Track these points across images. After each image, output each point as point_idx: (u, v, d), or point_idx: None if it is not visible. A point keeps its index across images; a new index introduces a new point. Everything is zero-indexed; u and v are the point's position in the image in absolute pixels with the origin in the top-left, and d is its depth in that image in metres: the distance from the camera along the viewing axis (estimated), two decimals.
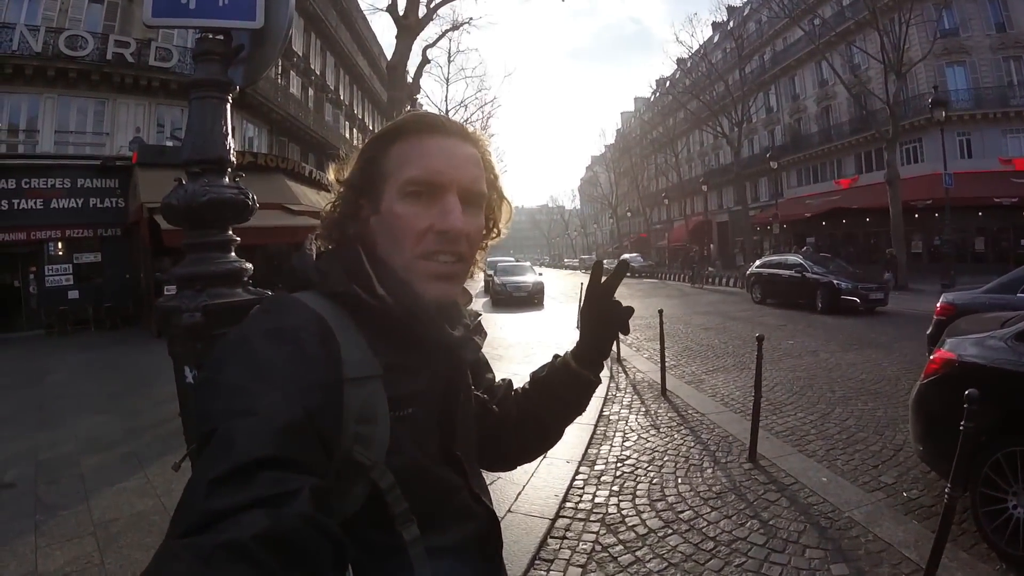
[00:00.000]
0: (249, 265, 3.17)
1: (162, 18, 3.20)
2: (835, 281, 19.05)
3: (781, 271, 21.69)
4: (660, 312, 10.08)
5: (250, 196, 3.14)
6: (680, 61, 57.33)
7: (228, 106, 3.15)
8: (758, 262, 24.86)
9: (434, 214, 1.05)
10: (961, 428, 3.43)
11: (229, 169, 3.14)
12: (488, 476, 4.38)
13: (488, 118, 52.91)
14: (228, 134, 3.13)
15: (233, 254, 3.16)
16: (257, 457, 0.77)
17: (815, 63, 44.62)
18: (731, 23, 55.52)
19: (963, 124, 34.76)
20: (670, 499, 5.08)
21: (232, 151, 3.15)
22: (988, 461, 4.18)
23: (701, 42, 55.49)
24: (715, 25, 60.23)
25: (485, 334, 1.26)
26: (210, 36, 3.10)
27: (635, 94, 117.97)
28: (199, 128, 3.08)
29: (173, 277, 3.09)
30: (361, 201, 1.11)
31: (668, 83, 65.85)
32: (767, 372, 9.28)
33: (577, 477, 5.61)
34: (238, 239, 3.19)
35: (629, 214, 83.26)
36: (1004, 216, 32.37)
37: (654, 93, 71.99)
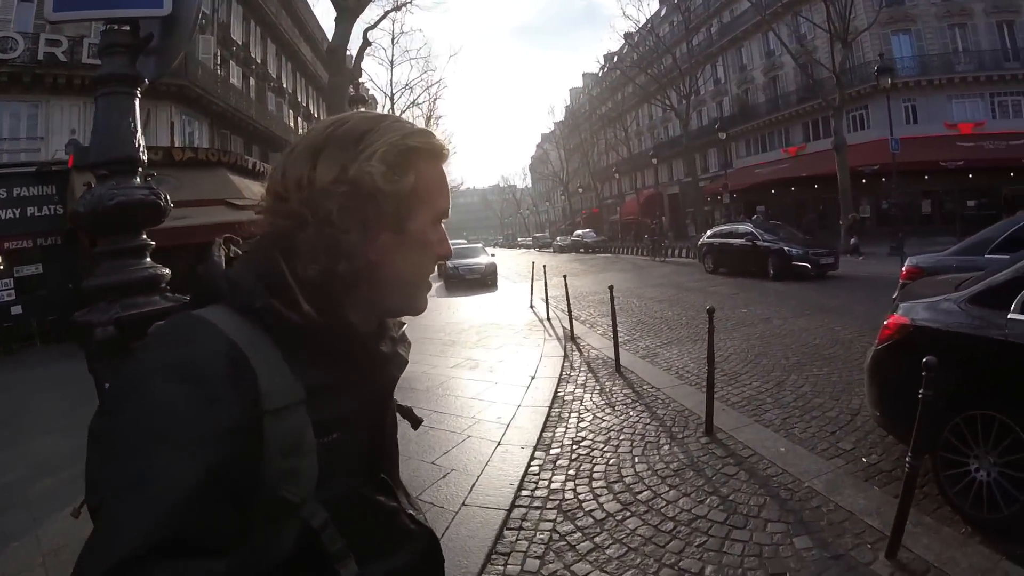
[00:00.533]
0: (167, 270, 2.99)
1: (65, 12, 3.06)
2: (786, 248, 19.40)
3: (732, 240, 22.05)
4: (610, 288, 9.95)
5: (162, 196, 2.95)
6: (628, 36, 57.57)
7: (137, 101, 2.97)
8: (709, 232, 25.19)
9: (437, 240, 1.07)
10: (920, 396, 3.41)
11: (140, 169, 2.95)
12: (442, 469, 4.28)
13: (435, 99, 52.61)
14: (137, 131, 2.94)
15: (149, 259, 2.97)
16: (147, 544, 0.67)
17: (762, 34, 45.37)
18: None
19: (909, 91, 35.77)
20: (627, 480, 5.00)
21: (142, 149, 2.96)
22: (948, 425, 4.19)
23: (648, 16, 55.88)
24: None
25: (409, 344, 1.20)
26: (116, 28, 2.91)
27: (583, 70, 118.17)
28: (106, 126, 2.91)
29: (86, 289, 2.90)
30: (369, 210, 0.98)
31: (616, 58, 66.39)
32: (721, 342, 9.38)
33: (532, 463, 5.50)
34: (152, 243, 3.01)
35: (580, 190, 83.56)
36: (950, 179, 33.40)
37: (602, 68, 72.39)
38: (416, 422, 1.30)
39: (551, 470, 5.36)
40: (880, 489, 4.58)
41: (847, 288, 16.79)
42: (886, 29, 36.14)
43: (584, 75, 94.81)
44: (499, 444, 5.91)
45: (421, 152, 1.02)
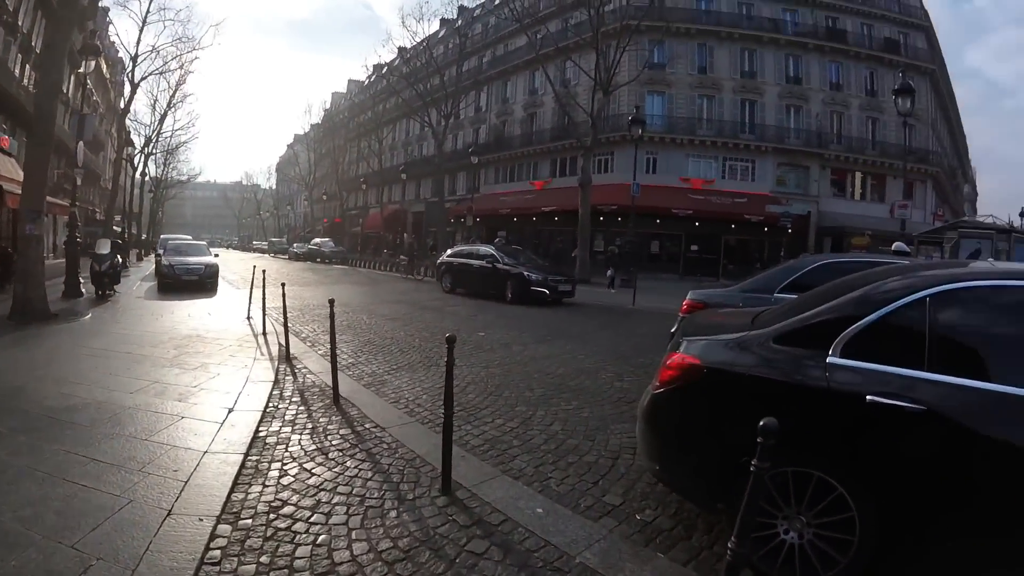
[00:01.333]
0: None
1: None
2: (526, 273, 19.92)
3: (473, 261, 22.31)
4: (331, 301, 8.11)
5: None
6: (402, 49, 57.27)
7: None
8: (450, 251, 25.57)
9: None
10: (752, 467, 2.66)
11: None
12: (83, 558, 2.84)
13: (187, 74, 47.85)
14: None
15: None
16: None
17: (530, 72, 49.12)
18: (460, 21, 58.03)
19: (653, 144, 40.72)
20: (342, 568, 3.60)
21: None
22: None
23: (427, 34, 55.80)
24: (444, 21, 62.22)
25: None
26: None
27: (351, 76, 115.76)
28: None
29: None
30: None
31: (386, 69, 65.20)
32: (458, 369, 8.07)
33: (213, 543, 3.82)
34: None
35: (325, 197, 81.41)
36: (678, 225, 39.09)
37: (369, 77, 71.62)
38: None
39: (237, 555, 3.74)
40: (666, 556, 3.88)
41: (585, 315, 17.20)
42: (644, 88, 41.24)
43: (350, 81, 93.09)
44: (170, 513, 4.11)
45: None
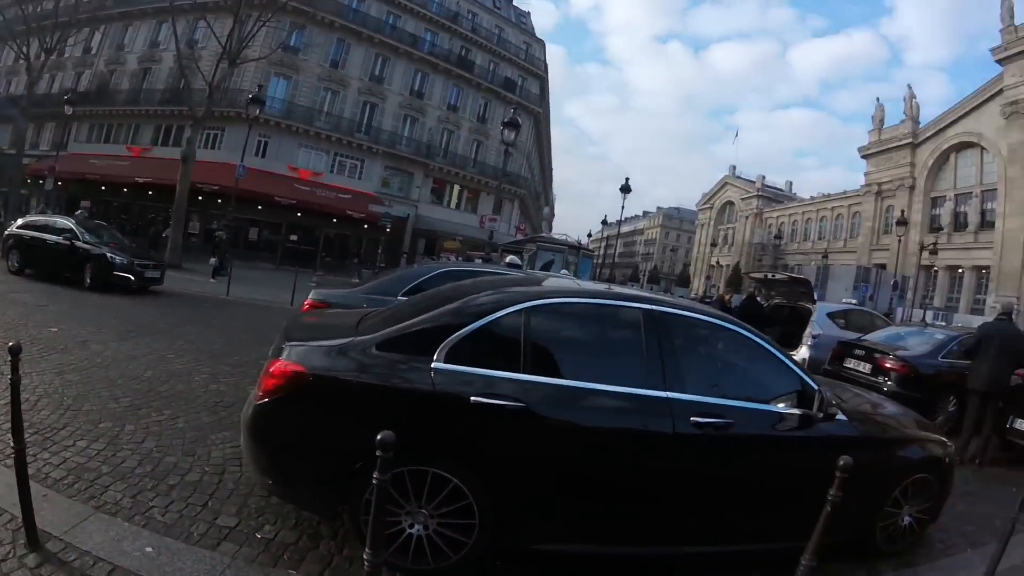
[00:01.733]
0: None
1: None
2: (109, 254, 17.09)
3: (48, 236, 18.09)
4: None
5: None
6: None
7: None
8: (20, 221, 20.46)
9: None
10: (375, 480, 2.89)
11: None
12: None
13: None
14: None
15: None
16: None
17: (158, 21, 44.38)
18: None
19: (268, 128, 40.42)
20: None
21: None
22: (370, 488, 3.54)
23: None
24: None
25: None
26: None
27: None
28: None
29: None
30: None
31: None
32: (27, 379, 6.76)
33: None
34: None
35: None
36: (280, 214, 39.31)
37: None
38: None
39: None
40: (298, 571, 3.84)
41: (173, 306, 15.83)
42: (272, 68, 40.61)
43: None
44: None
45: None
